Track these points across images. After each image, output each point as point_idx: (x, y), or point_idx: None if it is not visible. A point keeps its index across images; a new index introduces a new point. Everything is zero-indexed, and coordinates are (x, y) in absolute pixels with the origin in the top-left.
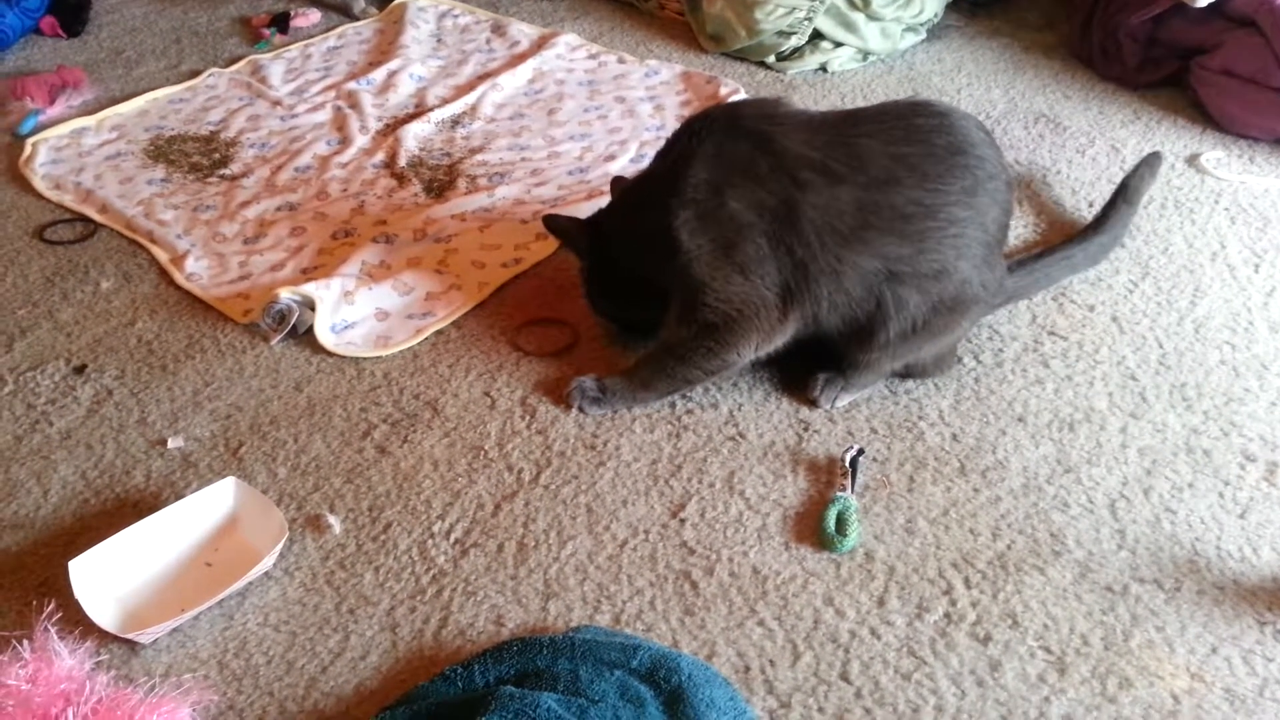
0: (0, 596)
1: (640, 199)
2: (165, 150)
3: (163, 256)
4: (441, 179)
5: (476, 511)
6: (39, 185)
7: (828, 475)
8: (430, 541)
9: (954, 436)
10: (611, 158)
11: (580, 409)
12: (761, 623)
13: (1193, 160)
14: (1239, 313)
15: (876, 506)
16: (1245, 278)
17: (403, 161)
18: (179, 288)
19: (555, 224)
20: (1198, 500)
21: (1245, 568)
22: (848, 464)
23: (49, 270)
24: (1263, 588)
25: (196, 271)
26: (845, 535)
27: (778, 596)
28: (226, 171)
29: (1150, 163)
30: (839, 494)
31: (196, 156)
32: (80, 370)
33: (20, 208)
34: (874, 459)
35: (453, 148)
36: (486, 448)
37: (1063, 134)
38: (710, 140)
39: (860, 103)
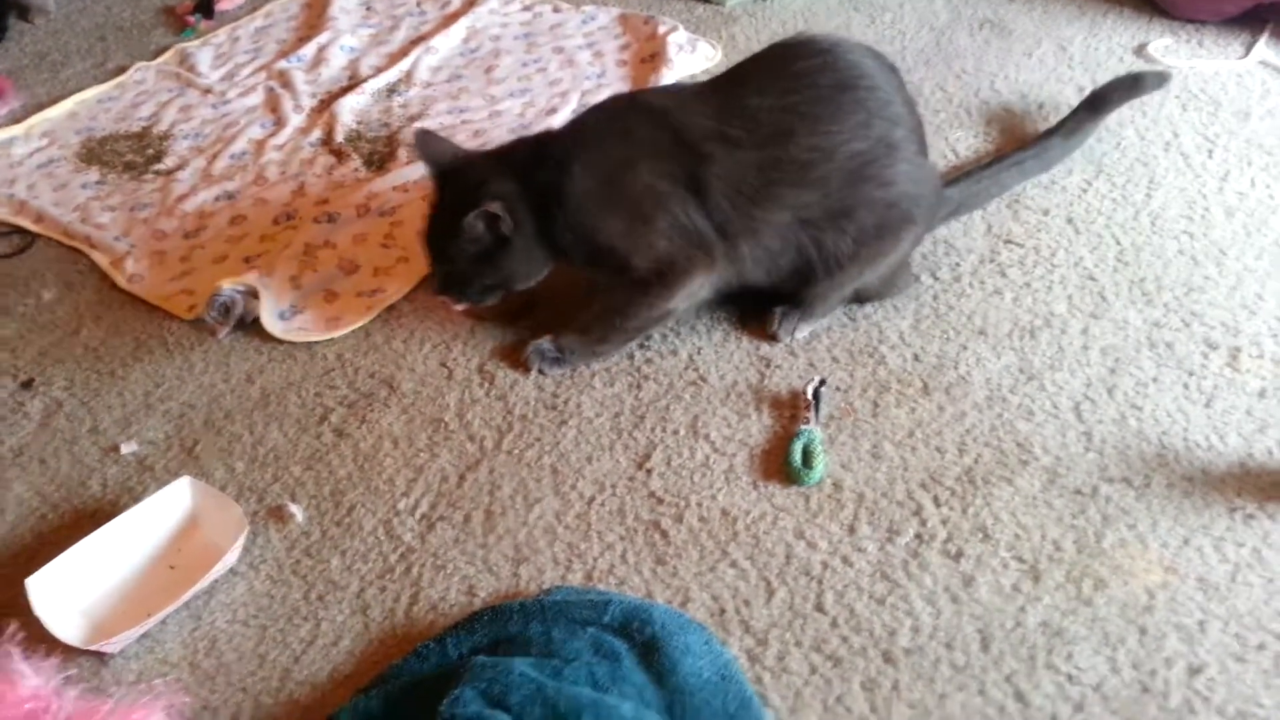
0: None
1: (548, 166)
2: (98, 152)
3: (103, 260)
4: (381, 151)
5: (441, 484)
6: None
7: (791, 410)
8: (396, 520)
9: (915, 357)
10: (553, 110)
11: (540, 371)
12: (734, 564)
13: (1140, 50)
14: (1194, 201)
15: (842, 436)
16: (1199, 164)
17: (340, 137)
18: (122, 290)
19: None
20: (1162, 394)
21: (1212, 456)
22: (810, 396)
23: None
24: (1230, 474)
25: (138, 272)
26: (812, 467)
27: (748, 536)
28: (161, 166)
29: (1129, 83)
30: (803, 427)
31: (130, 155)
32: (28, 385)
33: None
34: (837, 388)
35: (390, 117)
36: (446, 419)
37: (1008, 38)
38: (616, 121)
39: (802, 27)
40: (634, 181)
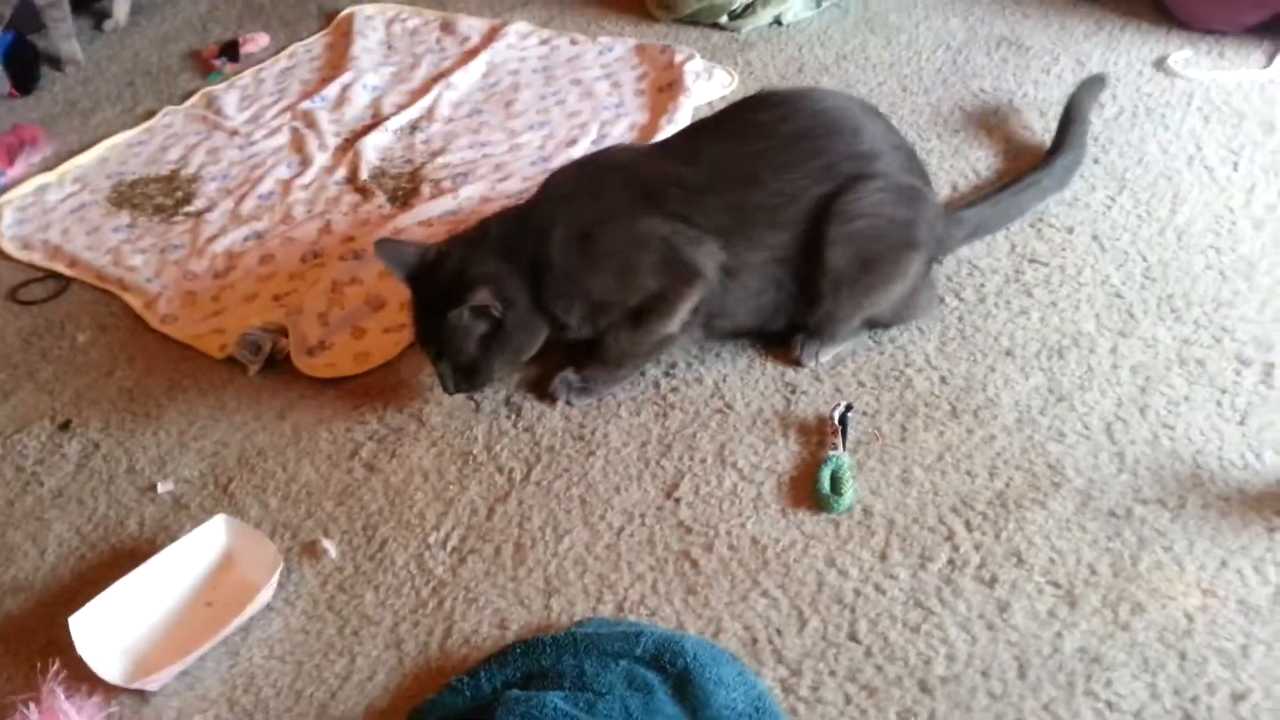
0: (7, 661)
1: (527, 237)
2: (128, 195)
3: (136, 302)
4: (405, 187)
5: (470, 517)
6: (7, 247)
7: (819, 435)
8: (427, 553)
9: (942, 379)
10: (573, 142)
11: (568, 401)
12: (765, 593)
13: (1160, 63)
14: (1221, 215)
15: (870, 461)
16: (1224, 178)
17: (365, 174)
18: (155, 331)
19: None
20: (1195, 412)
21: (1249, 475)
22: (837, 421)
23: (25, 330)
24: (1268, 493)
25: (170, 313)
26: (841, 494)
27: (779, 564)
28: (191, 209)
29: (1090, 83)
30: (831, 453)
31: (160, 198)
32: (65, 426)
33: None
34: (864, 413)
35: (413, 154)
36: (475, 452)
37: (1026, 55)
38: (583, 183)
39: (818, 51)
40: (613, 235)
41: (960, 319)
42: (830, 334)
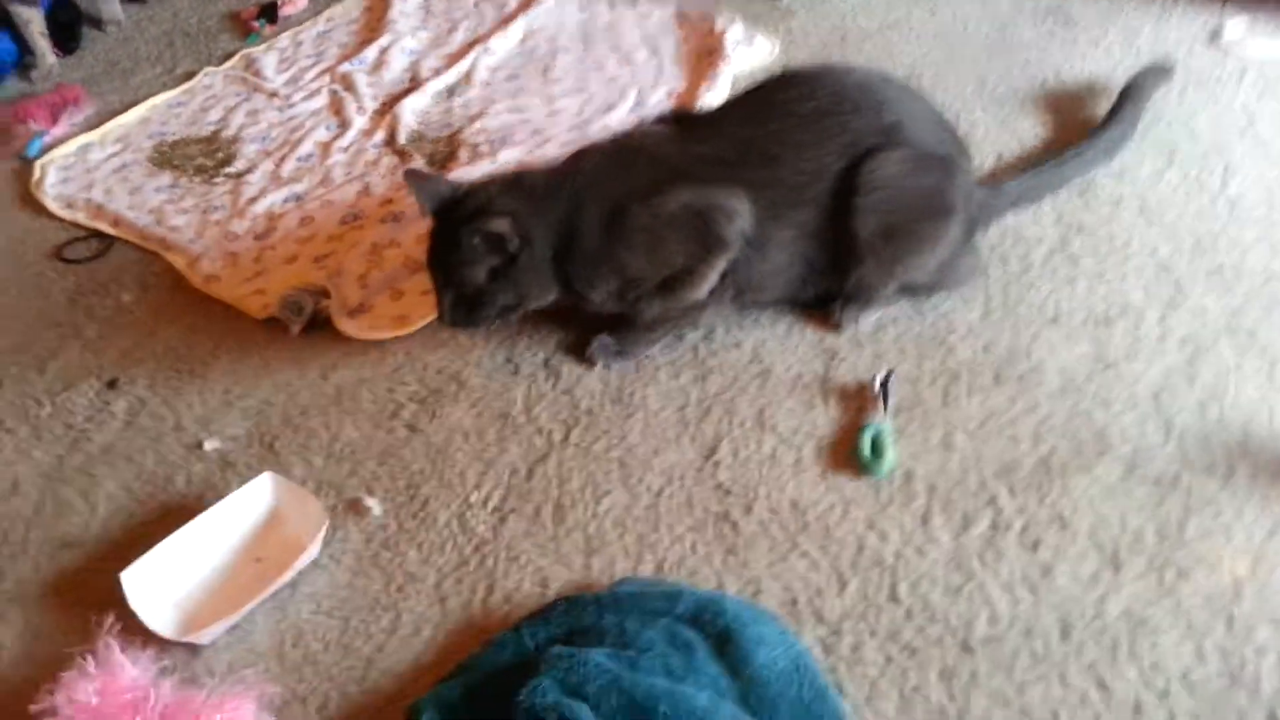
0: (63, 615)
1: (555, 196)
2: (169, 156)
3: (179, 262)
4: (443, 151)
5: (511, 478)
6: (52, 206)
7: (859, 401)
8: (469, 513)
9: (985, 347)
10: (611, 108)
11: (605, 365)
12: (805, 554)
13: (1213, 36)
14: (1273, 186)
15: (912, 426)
16: (1278, 151)
17: (403, 138)
18: (196, 291)
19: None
20: (1245, 382)
21: None
22: (879, 387)
23: (70, 289)
24: None
25: (213, 273)
26: (882, 458)
27: (819, 527)
28: (231, 170)
29: (1156, 70)
30: (873, 419)
31: (200, 158)
32: (112, 384)
33: (36, 231)
34: (905, 380)
35: (451, 118)
36: (514, 414)
37: (1074, 28)
38: (613, 161)
39: (861, 20)
40: (641, 214)
41: (1005, 288)
42: (867, 299)
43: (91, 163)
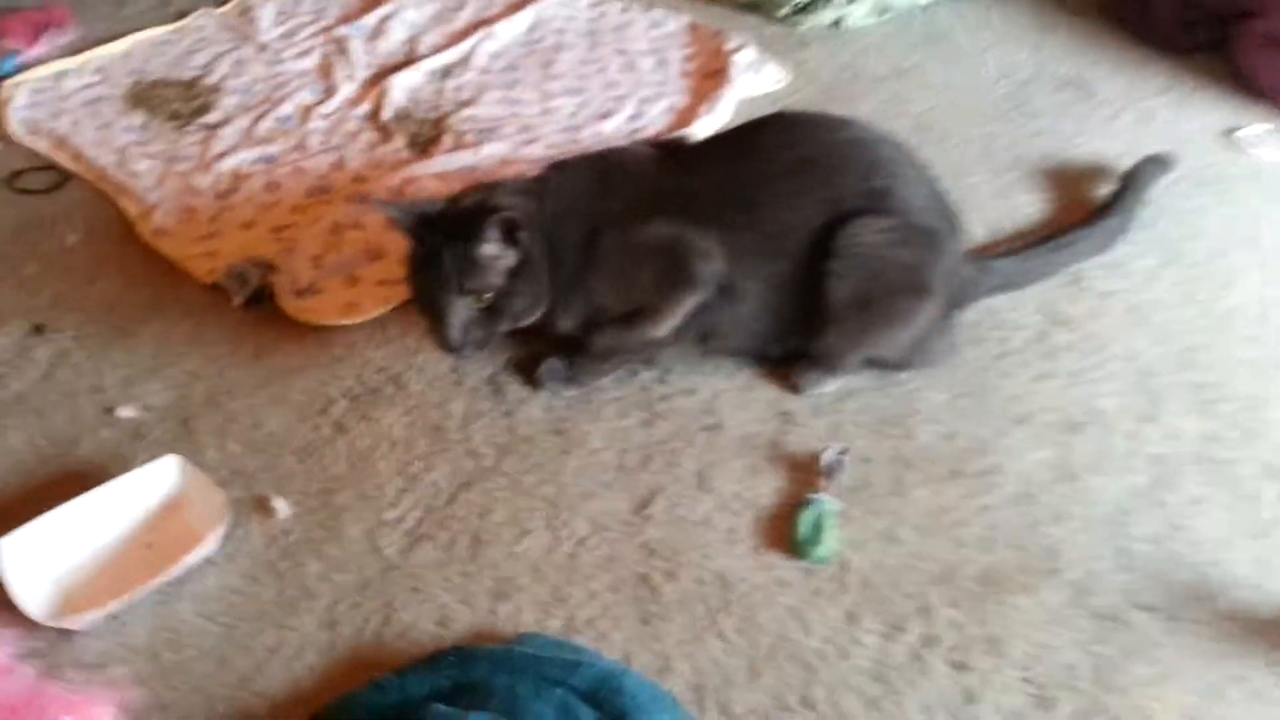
0: None
1: (539, 210)
2: (145, 96)
3: (132, 210)
4: (427, 134)
5: (432, 499)
6: (15, 130)
7: (807, 474)
8: (381, 530)
9: (946, 436)
10: (607, 115)
11: (552, 391)
12: (721, 635)
13: (1229, 134)
14: (1272, 306)
15: (857, 510)
16: None
17: (388, 114)
18: (145, 244)
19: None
20: (1210, 517)
21: (1259, 596)
22: (829, 464)
23: (16, 221)
24: (1275, 622)
25: (164, 227)
26: (819, 542)
27: (742, 607)
28: (206, 120)
29: (1156, 160)
30: (817, 495)
31: (177, 103)
32: (39, 330)
33: None
34: (858, 458)
35: (442, 100)
36: (448, 428)
37: (1090, 102)
38: (600, 182)
39: (875, 61)
40: (618, 240)
41: (977, 373)
42: (831, 365)
43: (65, 91)
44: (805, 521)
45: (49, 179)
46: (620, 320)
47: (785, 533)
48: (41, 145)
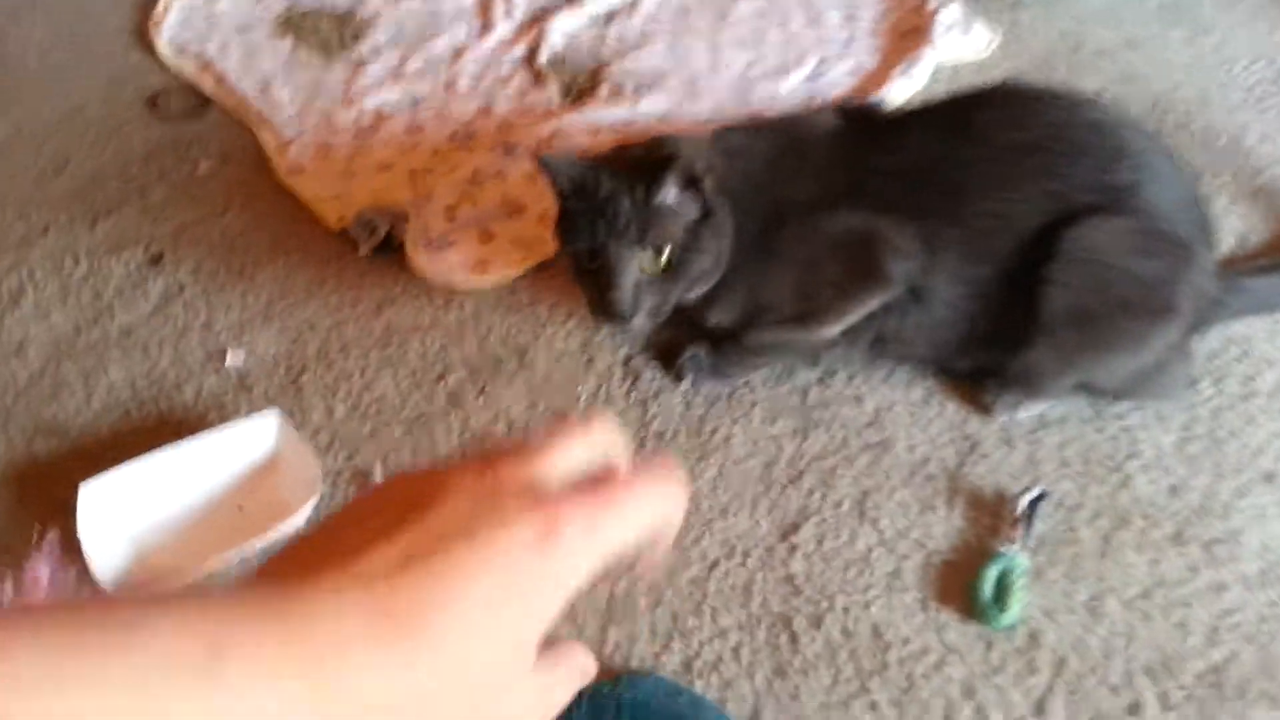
0: (19, 509)
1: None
2: (297, 24)
3: (270, 143)
4: (582, 84)
5: None
6: (163, 49)
7: (993, 517)
8: None
9: (1173, 488)
10: (784, 73)
11: (694, 384)
12: (874, 706)
13: None
14: None
15: (1054, 571)
16: None
17: (543, 58)
18: (278, 181)
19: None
20: None
21: None
22: (1023, 509)
23: (151, 143)
24: None
25: (299, 164)
26: (1005, 607)
27: (901, 673)
28: (354, 54)
29: None
30: (1005, 548)
31: (327, 32)
32: (157, 260)
33: (139, 71)
34: (1059, 505)
35: (602, 47)
36: (573, 414)
37: None
38: (788, 151)
39: (1102, 31)
40: (801, 233)
41: (1215, 414)
42: (1033, 388)
43: (216, 12)
44: (989, 577)
45: (189, 103)
46: (788, 318)
47: (962, 587)
48: (188, 67)
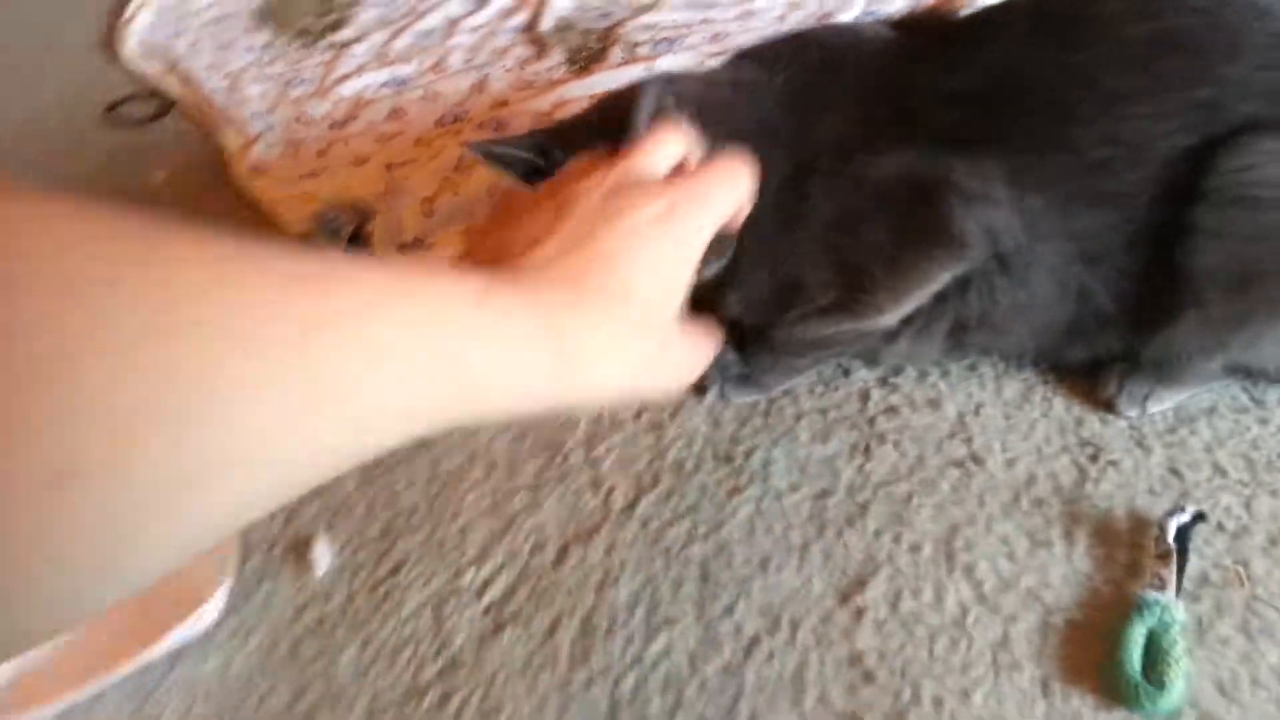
0: None
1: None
2: (277, 11)
3: (232, 143)
4: (591, 48)
5: (531, 557)
6: (130, 53)
7: (1131, 552)
8: (453, 602)
9: None
10: (828, 17)
11: (721, 396)
12: None
13: None
14: None
15: (1225, 624)
16: None
17: (546, 24)
18: (237, 187)
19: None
20: None
21: None
22: (1172, 537)
23: (109, 152)
24: None
25: (263, 162)
26: (1162, 681)
27: None
28: (337, 37)
29: None
30: (1153, 594)
31: (309, 18)
32: None
33: (102, 80)
34: (1221, 527)
35: (615, 5)
36: (568, 448)
37: None
38: (824, 71)
39: None
40: (834, 184)
41: None
42: (1172, 374)
43: (195, 6)
44: (1134, 640)
45: (149, 108)
46: (831, 305)
47: (1097, 658)
48: (154, 69)
